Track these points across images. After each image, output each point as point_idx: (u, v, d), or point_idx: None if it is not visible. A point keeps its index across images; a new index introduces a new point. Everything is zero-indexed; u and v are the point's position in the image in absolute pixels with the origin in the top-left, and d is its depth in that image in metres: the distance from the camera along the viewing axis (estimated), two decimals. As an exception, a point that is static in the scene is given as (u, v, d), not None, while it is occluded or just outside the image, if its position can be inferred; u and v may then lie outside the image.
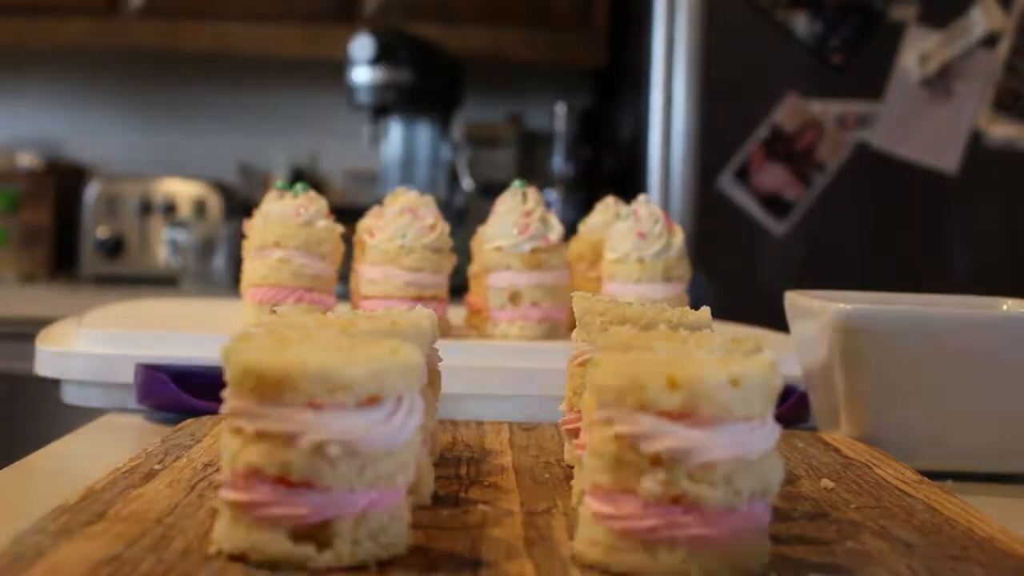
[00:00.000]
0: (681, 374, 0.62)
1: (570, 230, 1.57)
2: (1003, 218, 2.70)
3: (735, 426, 0.62)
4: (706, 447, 0.62)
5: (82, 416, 1.19)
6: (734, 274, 2.63)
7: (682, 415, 0.62)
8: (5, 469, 0.93)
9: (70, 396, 1.23)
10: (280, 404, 0.62)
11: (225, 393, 0.64)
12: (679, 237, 1.38)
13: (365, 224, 1.34)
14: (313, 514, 0.62)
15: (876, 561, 0.68)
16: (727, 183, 2.67)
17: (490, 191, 2.69)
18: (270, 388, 0.62)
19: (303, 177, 3.44)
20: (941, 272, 2.68)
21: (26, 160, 3.33)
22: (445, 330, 1.32)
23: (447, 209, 3.03)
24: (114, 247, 3.14)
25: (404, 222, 1.29)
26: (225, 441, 0.64)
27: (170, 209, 3.18)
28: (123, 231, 3.16)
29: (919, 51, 2.66)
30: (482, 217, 1.45)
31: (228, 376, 0.64)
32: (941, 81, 2.67)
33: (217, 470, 0.66)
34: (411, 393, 0.64)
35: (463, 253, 1.38)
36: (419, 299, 1.27)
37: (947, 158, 2.68)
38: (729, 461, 0.62)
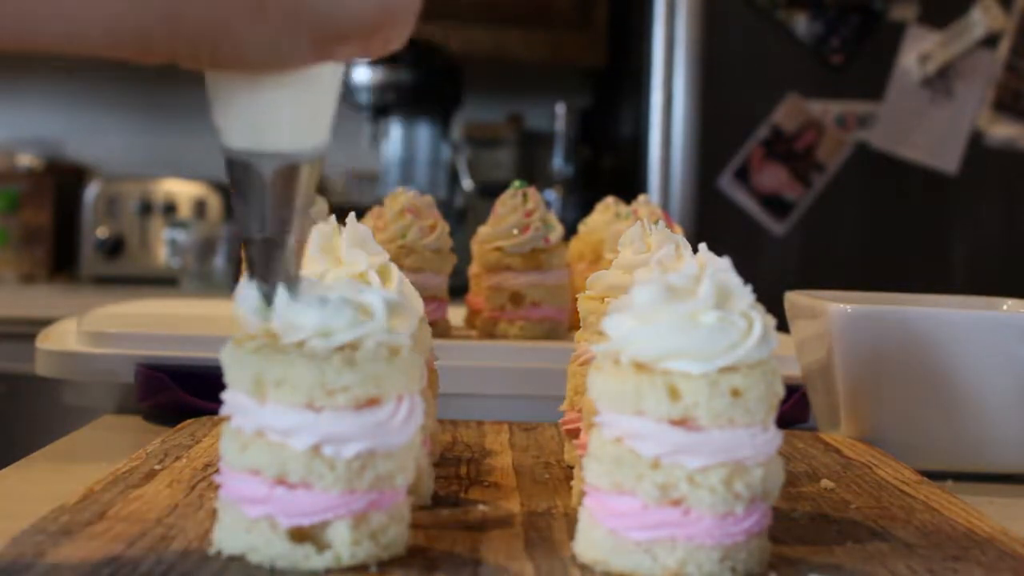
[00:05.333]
0: (682, 386, 0.62)
1: (570, 230, 1.57)
2: (1003, 218, 2.70)
3: (735, 432, 0.62)
4: (705, 453, 0.62)
5: (82, 416, 1.19)
6: (734, 274, 2.63)
7: (682, 422, 0.62)
8: (5, 469, 0.92)
9: (70, 396, 1.23)
10: (280, 405, 0.62)
11: (225, 393, 0.64)
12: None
13: (365, 225, 1.33)
14: (312, 515, 0.62)
15: (876, 561, 0.68)
16: (727, 183, 2.66)
17: (490, 191, 2.69)
18: (269, 389, 0.62)
19: (303, 177, 3.43)
20: (941, 272, 2.68)
21: (26, 160, 3.33)
22: (445, 330, 1.32)
23: (447, 209, 3.03)
24: (114, 247, 3.14)
25: (404, 222, 1.29)
26: (224, 442, 0.64)
27: (170, 209, 3.18)
28: (123, 231, 3.16)
29: (919, 51, 2.66)
30: (482, 217, 1.45)
31: (228, 376, 0.64)
32: (941, 81, 2.67)
33: (217, 470, 0.65)
34: (411, 394, 0.64)
35: (463, 253, 1.37)
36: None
37: (947, 158, 2.68)
38: (729, 466, 0.62)
